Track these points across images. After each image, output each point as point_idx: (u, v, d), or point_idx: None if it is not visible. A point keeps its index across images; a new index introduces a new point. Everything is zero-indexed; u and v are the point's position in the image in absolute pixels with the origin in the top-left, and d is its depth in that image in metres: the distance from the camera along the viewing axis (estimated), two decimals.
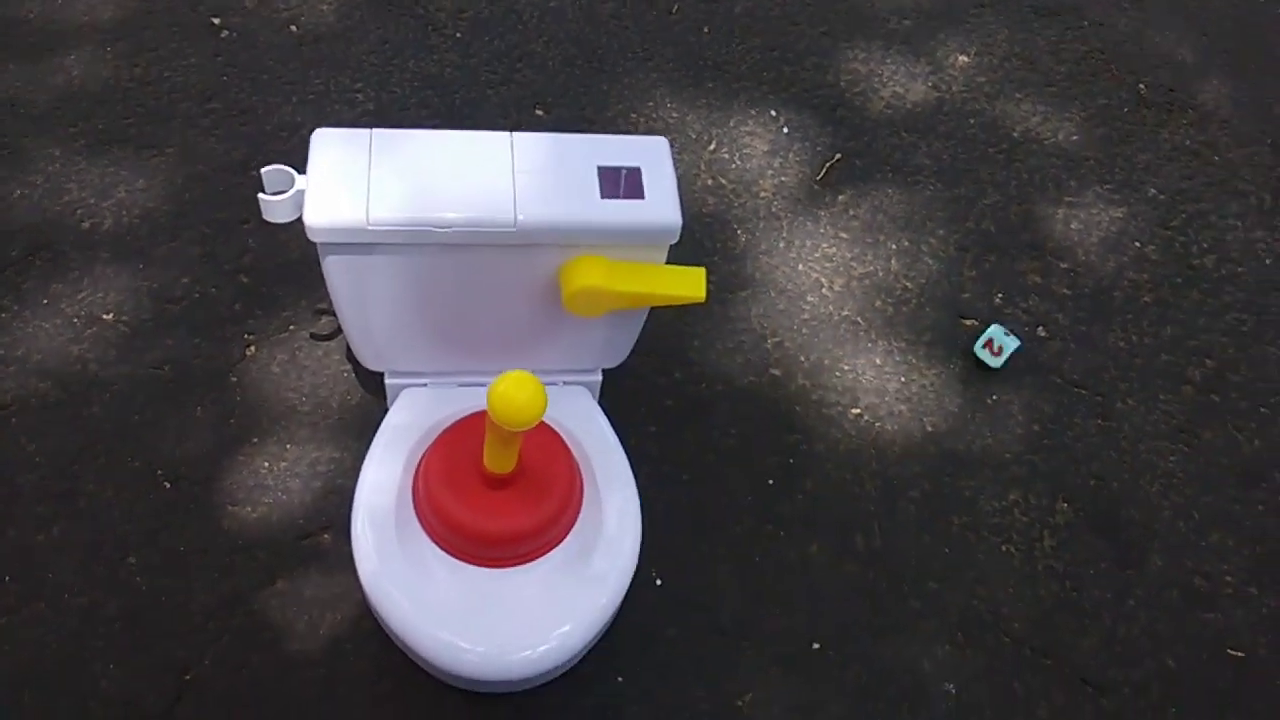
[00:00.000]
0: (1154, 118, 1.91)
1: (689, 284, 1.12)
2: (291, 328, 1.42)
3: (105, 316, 1.40)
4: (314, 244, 1.04)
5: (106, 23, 1.74)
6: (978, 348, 1.49)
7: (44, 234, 1.47)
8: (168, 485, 1.28)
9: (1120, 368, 1.54)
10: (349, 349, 1.38)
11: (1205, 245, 1.72)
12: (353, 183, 1.04)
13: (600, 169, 1.10)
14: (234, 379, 1.37)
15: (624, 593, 1.15)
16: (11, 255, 1.44)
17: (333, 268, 1.08)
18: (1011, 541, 1.35)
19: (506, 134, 1.11)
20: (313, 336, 1.41)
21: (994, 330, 1.48)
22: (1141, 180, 1.80)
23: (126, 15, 1.76)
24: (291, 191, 1.04)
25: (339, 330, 1.41)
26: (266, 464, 1.30)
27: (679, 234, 1.08)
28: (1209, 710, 1.23)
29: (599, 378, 1.30)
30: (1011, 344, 1.47)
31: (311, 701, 1.14)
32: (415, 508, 1.15)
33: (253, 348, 1.40)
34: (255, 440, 1.32)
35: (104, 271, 1.44)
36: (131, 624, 1.17)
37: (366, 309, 1.14)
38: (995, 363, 1.47)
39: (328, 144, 1.07)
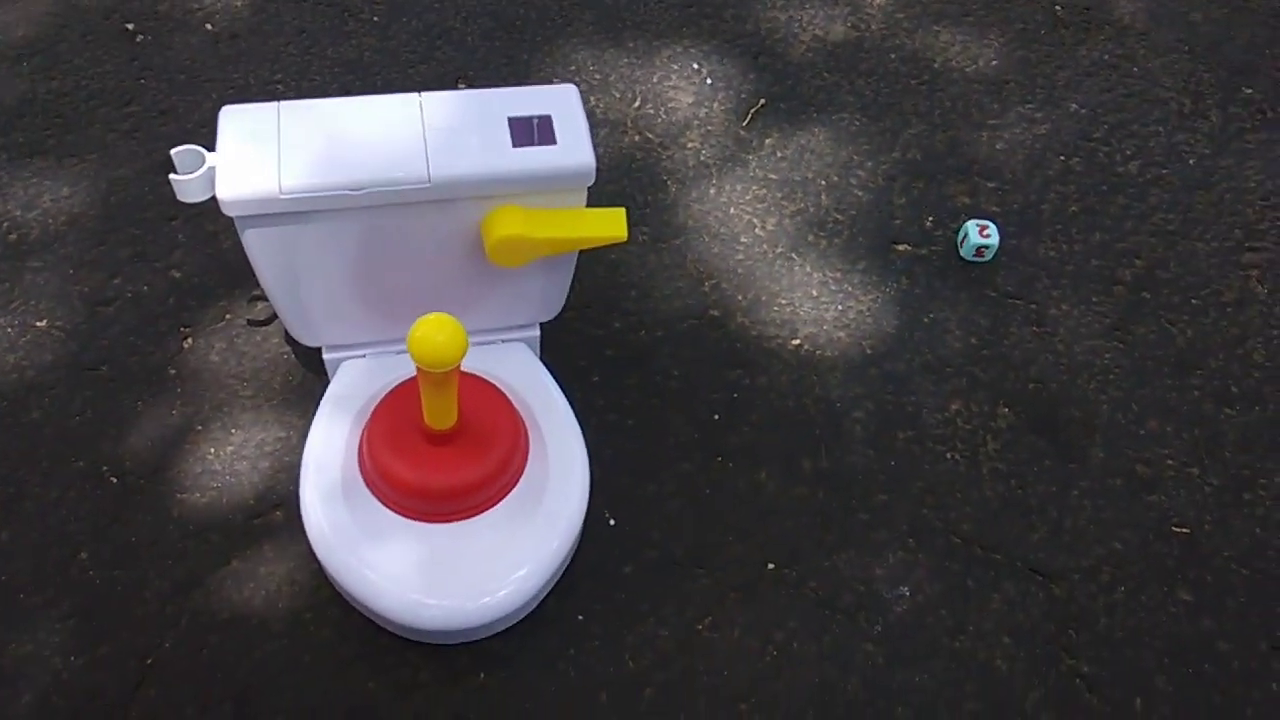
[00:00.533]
0: (1071, 37, 1.94)
1: (610, 224, 1.13)
2: (227, 317, 1.43)
3: (39, 324, 1.40)
4: (234, 223, 1.04)
5: (19, 40, 1.73)
6: (967, 247, 1.55)
7: None
8: (114, 480, 1.28)
9: (1052, 276, 1.56)
10: (286, 330, 1.39)
11: (1129, 153, 1.74)
12: (263, 154, 1.04)
13: (511, 120, 1.11)
14: (173, 371, 1.37)
15: (577, 532, 1.16)
16: None
17: (252, 241, 1.09)
18: (956, 449, 1.36)
19: (415, 95, 1.11)
20: (249, 323, 1.41)
21: (968, 225, 1.55)
22: (1062, 97, 1.83)
23: (40, 31, 1.75)
24: (203, 169, 1.04)
25: (275, 314, 1.42)
26: (212, 450, 1.31)
27: (593, 175, 1.09)
28: (1157, 585, 1.25)
29: (537, 333, 1.31)
30: (986, 233, 1.54)
31: (277, 673, 1.15)
32: (362, 472, 1.16)
33: (189, 340, 1.40)
34: (199, 428, 1.32)
35: (34, 280, 1.44)
36: (88, 618, 1.18)
37: (292, 283, 1.14)
38: (991, 243, 1.54)
39: (235, 119, 1.07)
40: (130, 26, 1.77)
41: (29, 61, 1.71)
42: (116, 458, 1.30)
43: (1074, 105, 1.81)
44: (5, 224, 1.50)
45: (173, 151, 1.05)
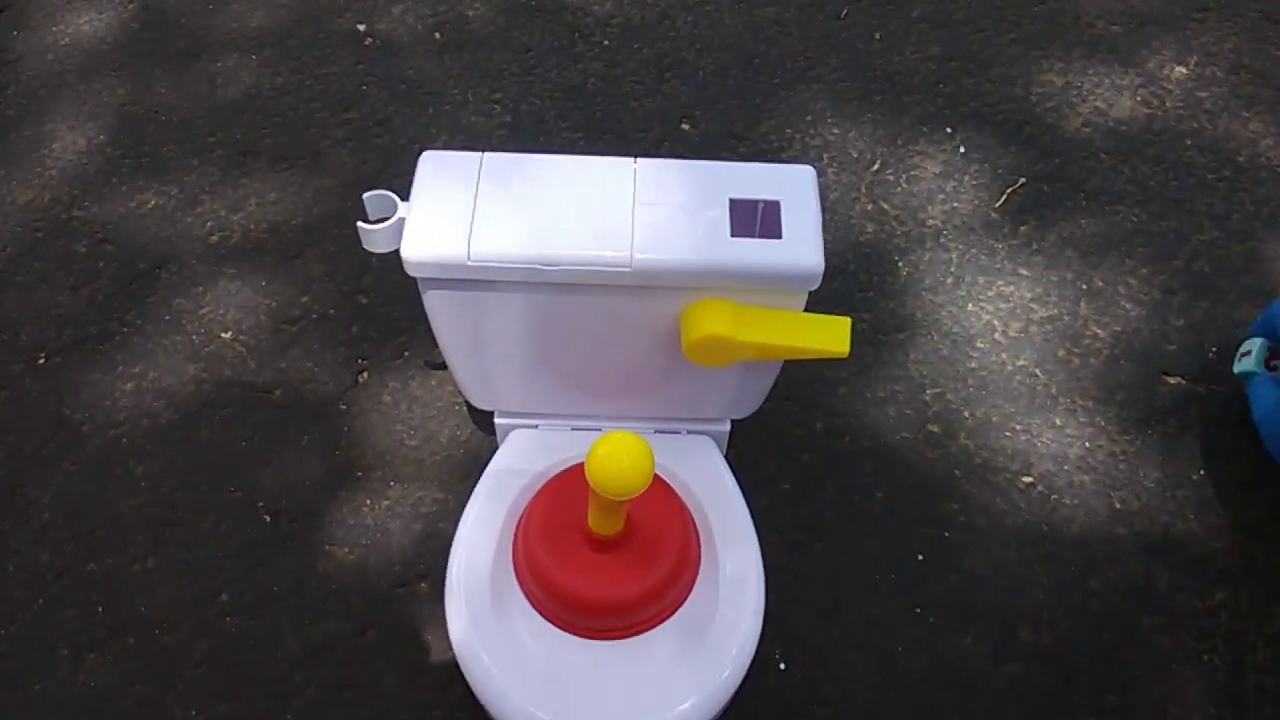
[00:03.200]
0: None
1: (831, 337, 0.96)
2: (406, 354, 1.34)
3: (224, 335, 1.36)
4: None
5: (253, 30, 1.72)
6: (1249, 363, 1.23)
7: (173, 246, 1.45)
8: (267, 519, 1.22)
9: None
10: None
11: None
12: (456, 213, 0.94)
13: (733, 201, 0.96)
14: (344, 407, 1.30)
15: (741, 676, 1.01)
16: (140, 268, 1.43)
17: (433, 303, 0.99)
18: (1215, 650, 1.12)
19: (630, 160, 0.98)
20: (427, 364, 1.33)
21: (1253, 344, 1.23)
22: None
23: (274, 22, 1.73)
24: (393, 219, 0.95)
25: None
26: (369, 501, 1.23)
27: (819, 280, 0.92)
28: None
29: (727, 428, 1.16)
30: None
31: None
32: (514, 567, 1.04)
33: (365, 374, 1.33)
34: (359, 475, 1.25)
35: (227, 287, 1.41)
36: (217, 667, 1.12)
37: (470, 346, 1.05)
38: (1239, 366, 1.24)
39: (434, 168, 0.97)
40: (361, 27, 1.72)
41: (258, 54, 1.69)
42: (274, 493, 1.23)
43: None
44: (210, 223, 1.47)
45: (365, 196, 0.96)
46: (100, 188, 1.51)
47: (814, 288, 0.94)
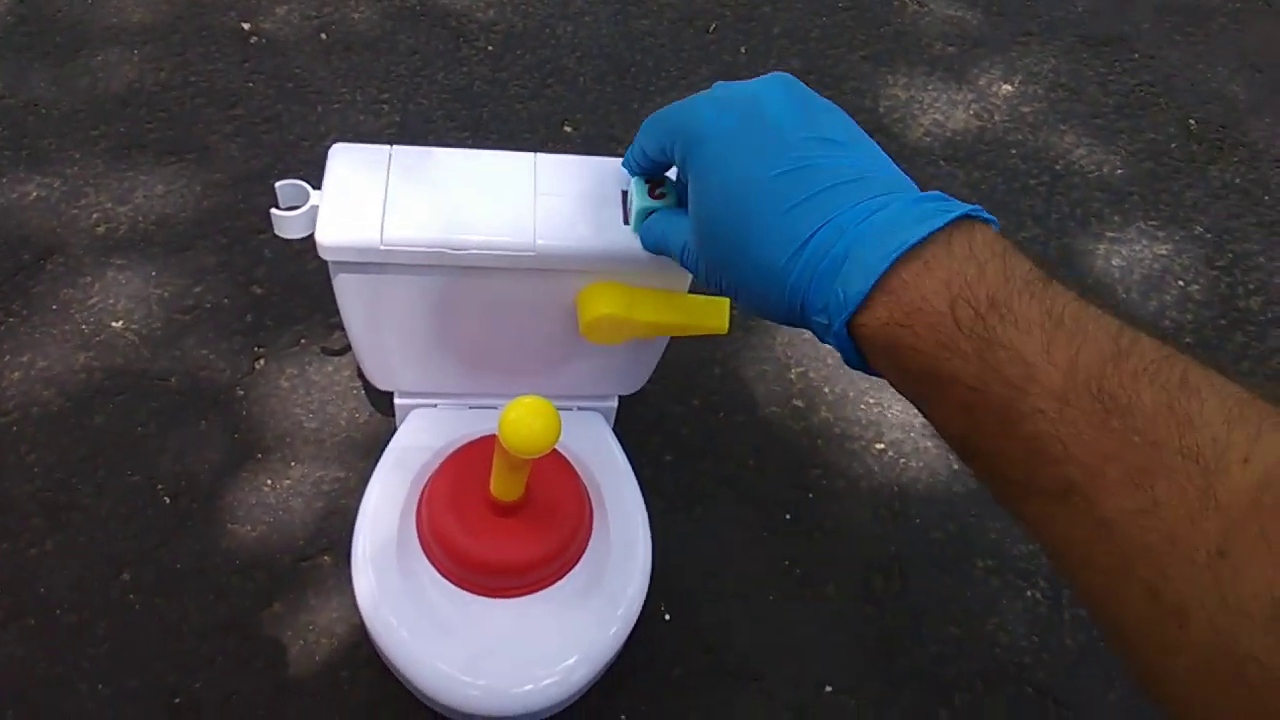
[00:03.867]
0: (1203, 154, 1.85)
1: (712, 314, 1.07)
2: (303, 341, 1.39)
3: (114, 324, 1.38)
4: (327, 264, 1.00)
5: (135, 25, 1.73)
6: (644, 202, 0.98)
7: (58, 238, 1.45)
8: (167, 500, 1.24)
9: None
10: (359, 368, 1.35)
11: (1251, 287, 1.65)
12: (368, 200, 0.99)
13: (625, 194, 1.06)
14: (241, 393, 1.34)
15: (630, 627, 1.11)
16: (24, 259, 1.42)
17: (344, 286, 1.04)
18: (1037, 587, 1.28)
19: (530, 155, 1.06)
20: (324, 350, 1.38)
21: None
22: (1188, 217, 1.74)
23: (156, 19, 1.74)
24: (305, 207, 1.00)
25: (350, 346, 1.38)
26: (269, 481, 1.27)
27: None
28: None
29: (615, 404, 1.26)
30: None
31: None
32: (419, 534, 1.11)
33: (262, 360, 1.37)
34: (259, 456, 1.29)
35: (116, 278, 1.42)
36: (122, 645, 1.14)
37: (377, 329, 1.10)
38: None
39: (345, 159, 1.02)
40: (246, 26, 1.75)
41: (140, 49, 1.69)
42: (173, 476, 1.26)
43: (1199, 228, 1.72)
44: (96, 215, 1.48)
45: (277, 185, 1.01)
46: None
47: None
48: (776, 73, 0.70)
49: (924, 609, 1.26)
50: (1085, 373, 0.48)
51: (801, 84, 0.70)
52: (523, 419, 0.89)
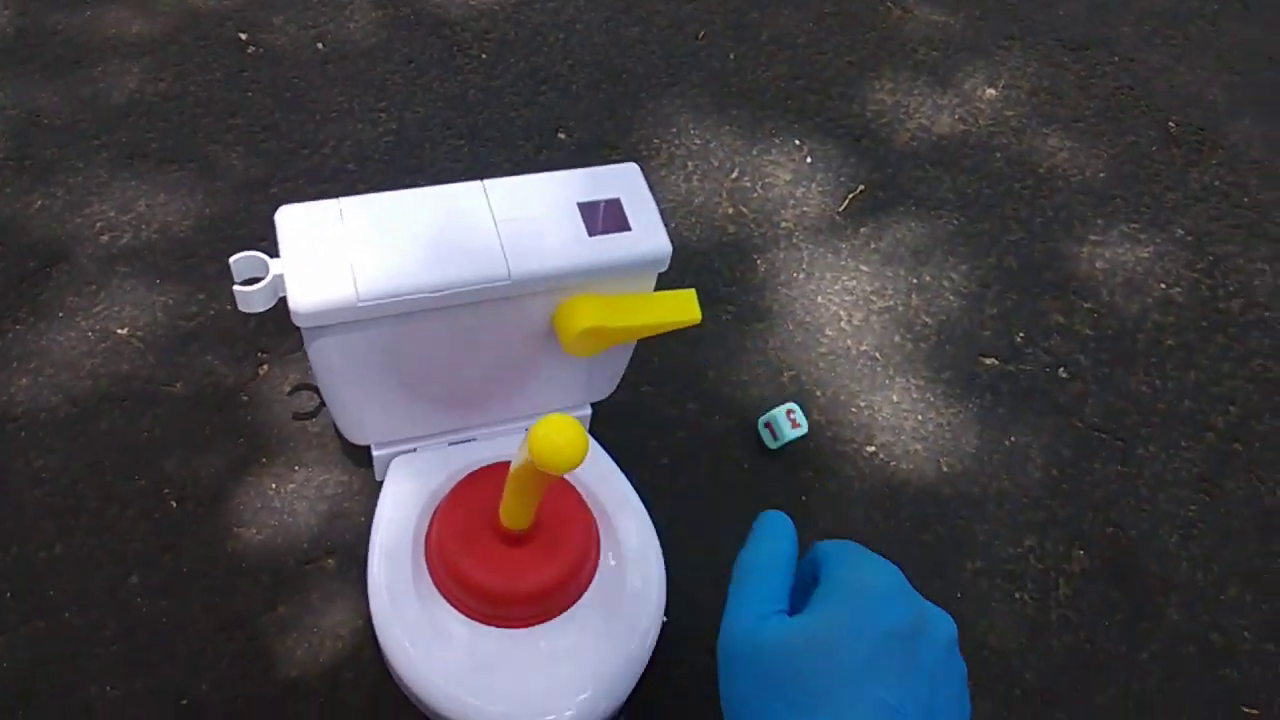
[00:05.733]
0: (1184, 157, 1.89)
1: (683, 308, 1.09)
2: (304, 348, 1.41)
3: (120, 331, 1.40)
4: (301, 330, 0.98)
5: (134, 37, 1.75)
6: (760, 425, 1.41)
7: (63, 246, 1.47)
8: (174, 504, 1.27)
9: (1142, 412, 1.51)
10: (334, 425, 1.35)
11: (1232, 289, 1.69)
12: (332, 259, 0.97)
13: (580, 205, 1.06)
14: (245, 398, 1.36)
15: (654, 641, 1.11)
16: (30, 267, 1.45)
17: (322, 350, 1.02)
18: (1025, 590, 1.32)
19: (479, 183, 1.06)
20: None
21: (775, 413, 1.39)
22: (1169, 220, 1.77)
23: (155, 30, 1.76)
24: (269, 278, 0.97)
25: (321, 404, 1.38)
26: (274, 485, 1.30)
27: (669, 261, 1.05)
28: None
29: (589, 412, 1.27)
30: (789, 432, 1.38)
31: None
32: (429, 566, 1.11)
33: (265, 366, 1.39)
34: (263, 461, 1.31)
35: (121, 286, 1.44)
36: (130, 646, 1.17)
37: (356, 385, 1.09)
38: (774, 444, 1.40)
39: (295, 222, 0.99)
40: (243, 36, 1.78)
41: (140, 61, 1.72)
42: (179, 480, 1.29)
43: (1180, 230, 1.76)
44: (100, 223, 1.50)
45: (232, 260, 0.98)
46: None
47: (664, 269, 1.06)
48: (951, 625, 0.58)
49: None
50: None
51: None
52: (552, 435, 0.87)
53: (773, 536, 0.65)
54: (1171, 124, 1.94)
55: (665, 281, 1.08)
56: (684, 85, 1.83)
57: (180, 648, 1.17)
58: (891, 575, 0.58)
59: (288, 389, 1.38)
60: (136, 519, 1.25)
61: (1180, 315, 1.64)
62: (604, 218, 1.07)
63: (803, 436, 1.39)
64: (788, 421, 1.38)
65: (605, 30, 1.90)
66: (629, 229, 1.05)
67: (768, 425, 1.40)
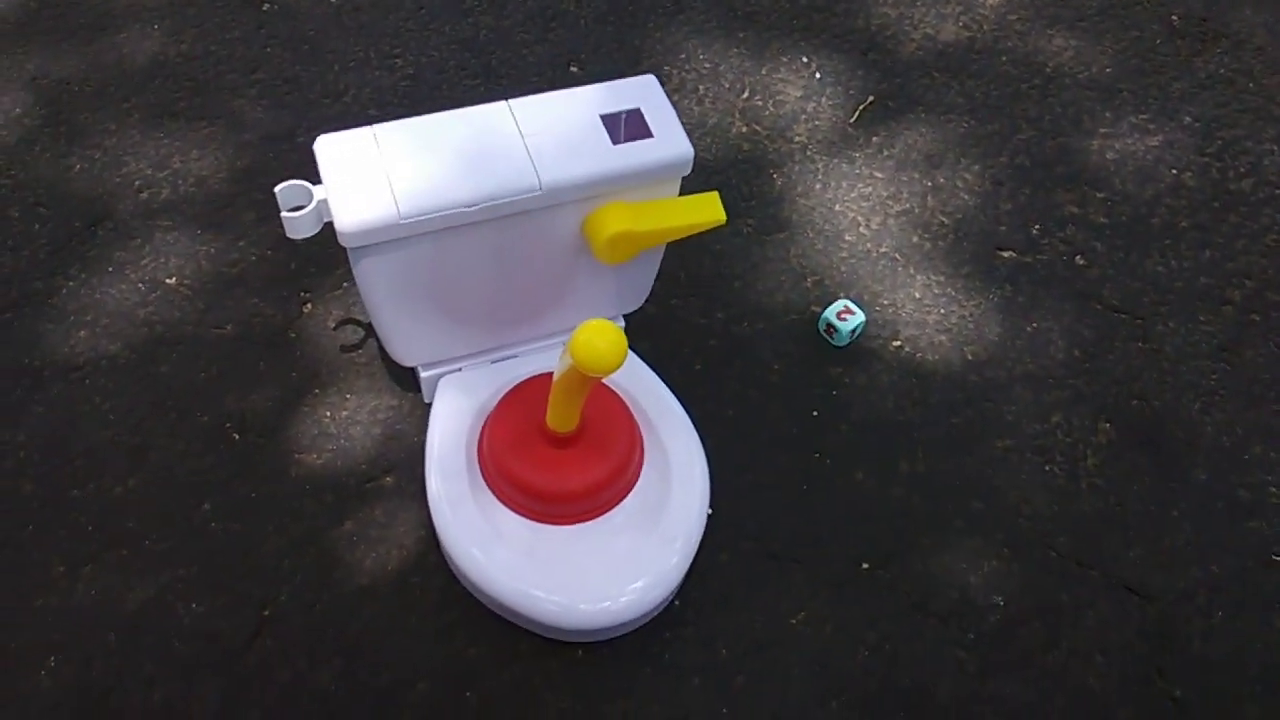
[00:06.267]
0: (1187, 47, 1.90)
1: (708, 209, 1.14)
2: (345, 284, 1.47)
3: (168, 281, 1.46)
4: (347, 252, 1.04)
5: (153, 1, 1.79)
6: (821, 330, 1.47)
7: (105, 205, 1.53)
8: (236, 437, 1.33)
9: (1160, 291, 1.54)
10: (380, 348, 1.40)
11: (1242, 170, 1.71)
12: (372, 181, 1.03)
13: (603, 117, 1.11)
14: (293, 335, 1.42)
15: (697, 545, 1.17)
16: (76, 226, 1.50)
17: (369, 270, 1.08)
18: (1054, 461, 1.37)
19: (504, 103, 1.11)
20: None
21: (827, 314, 1.46)
22: (1176, 109, 1.80)
23: None
24: (312, 204, 1.03)
25: (368, 336, 1.43)
26: (329, 413, 1.36)
27: (691, 165, 1.10)
28: (1254, 612, 1.25)
29: (622, 324, 1.31)
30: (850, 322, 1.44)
31: (383, 633, 1.20)
32: (484, 473, 1.18)
33: (309, 305, 1.45)
34: (316, 392, 1.37)
35: (164, 239, 1.50)
36: (209, 566, 1.23)
37: (402, 305, 1.14)
38: (838, 342, 1.46)
39: (334, 150, 1.06)
40: None
41: (160, 24, 1.76)
42: (238, 414, 1.35)
43: (1188, 118, 1.79)
44: (138, 181, 1.56)
45: (278, 189, 1.04)
46: (24, 155, 1.58)
47: (687, 173, 1.11)
48: None
49: (949, 487, 1.34)
50: None
51: None
52: (593, 339, 0.94)
53: None
54: (1174, 17, 1.95)
55: (687, 192, 1.12)
56: (690, 12, 1.86)
57: (256, 565, 1.24)
58: None
59: (332, 324, 1.43)
60: (203, 452, 1.32)
61: (1192, 198, 1.67)
62: (626, 127, 1.12)
63: (862, 325, 1.45)
64: (839, 321, 1.44)
65: None
66: (650, 136, 1.10)
67: (828, 329, 1.46)
